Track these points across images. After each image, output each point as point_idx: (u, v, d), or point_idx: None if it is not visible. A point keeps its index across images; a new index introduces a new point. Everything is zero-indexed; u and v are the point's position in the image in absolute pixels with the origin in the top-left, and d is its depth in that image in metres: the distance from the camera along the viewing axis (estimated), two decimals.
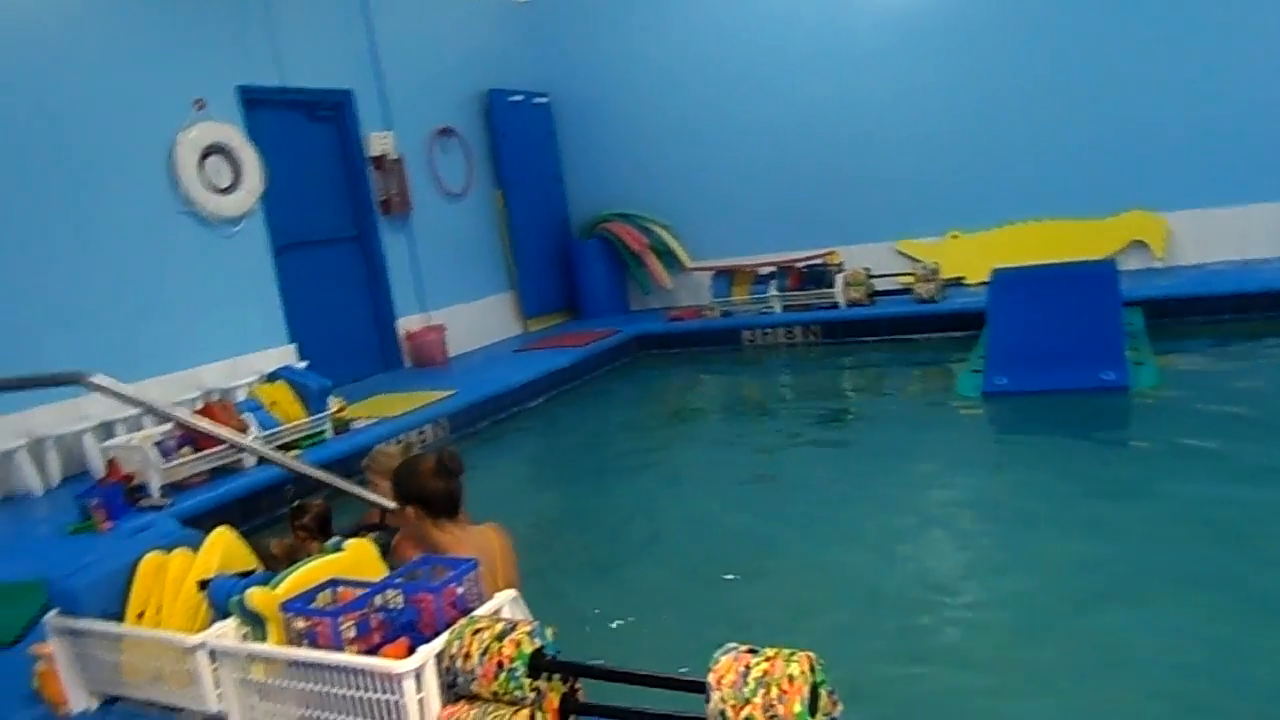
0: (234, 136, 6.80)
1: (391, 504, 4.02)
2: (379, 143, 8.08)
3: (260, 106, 7.18)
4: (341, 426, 5.98)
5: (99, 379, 3.91)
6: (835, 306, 8.24)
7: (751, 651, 1.80)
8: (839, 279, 8.24)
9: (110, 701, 2.64)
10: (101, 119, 6.02)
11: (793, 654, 1.77)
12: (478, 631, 2.13)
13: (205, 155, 6.63)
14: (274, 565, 3.20)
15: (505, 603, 2.37)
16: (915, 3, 8.69)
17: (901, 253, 9.00)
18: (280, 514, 4.92)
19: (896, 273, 8.51)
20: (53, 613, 2.63)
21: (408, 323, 8.38)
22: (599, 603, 3.55)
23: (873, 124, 8.98)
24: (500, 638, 2.09)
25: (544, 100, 10.18)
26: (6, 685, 2.80)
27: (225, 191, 6.77)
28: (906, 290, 8.17)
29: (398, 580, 2.39)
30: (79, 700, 2.64)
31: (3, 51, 5.59)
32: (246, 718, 2.39)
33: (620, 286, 10.30)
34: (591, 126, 10.22)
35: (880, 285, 8.32)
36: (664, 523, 4.48)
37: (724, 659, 1.80)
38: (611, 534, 4.45)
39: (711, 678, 1.77)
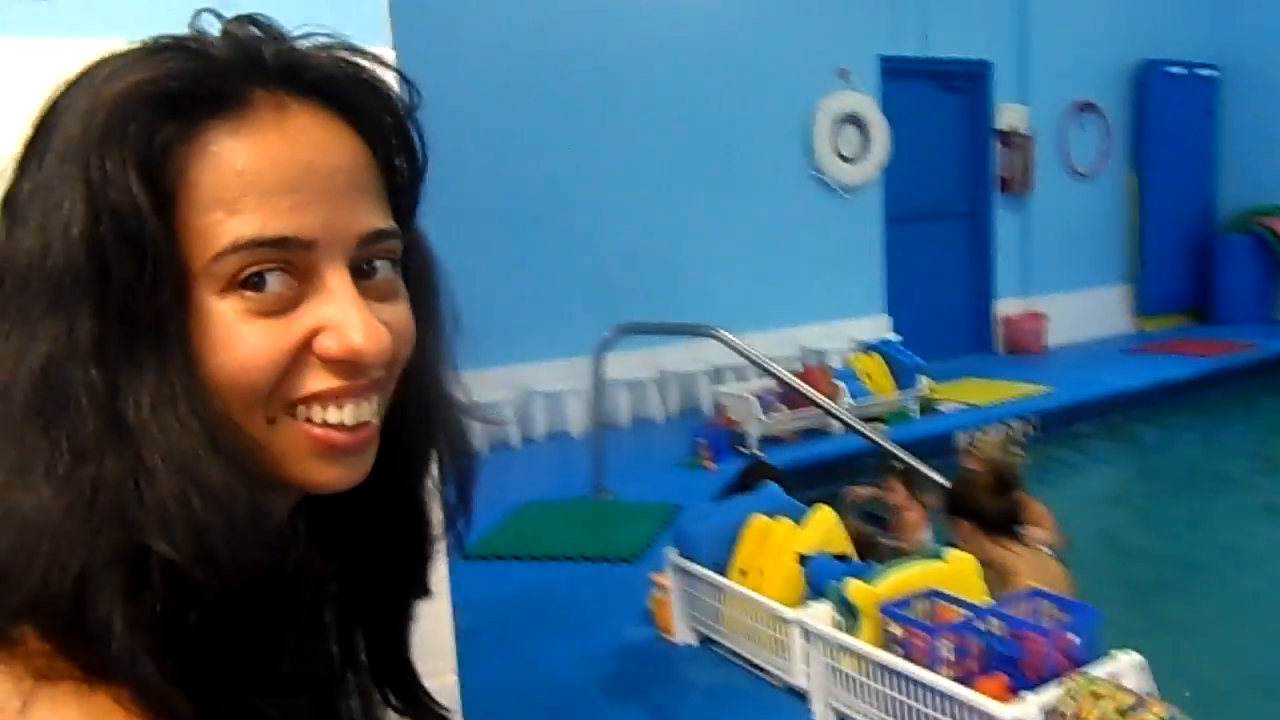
0: (869, 107, 6.94)
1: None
2: (1010, 116, 7.70)
3: (898, 77, 7.22)
4: (927, 407, 5.88)
5: (722, 334, 4.25)
6: None
7: None
8: None
9: (708, 642, 2.86)
10: (755, 82, 6.48)
11: None
12: (1098, 697, 1.89)
13: (839, 124, 6.86)
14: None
15: (1128, 668, 2.08)
16: None
17: None
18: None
19: None
20: (672, 550, 2.91)
21: (1006, 306, 7.98)
22: (1181, 674, 3.01)
23: None
24: (1124, 714, 1.83)
25: (1210, 73, 8.85)
26: (627, 599, 3.18)
27: (851, 160, 6.96)
28: None
29: (1004, 610, 2.22)
30: (683, 633, 2.89)
31: (686, 17, 6.25)
32: (825, 701, 2.42)
33: (1268, 292, 8.74)
34: (1268, 105, 8.69)
35: None
36: (1272, 583, 3.71)
37: None
38: (1199, 583, 3.80)
39: None
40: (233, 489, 0.51)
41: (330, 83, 0.57)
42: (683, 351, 6.12)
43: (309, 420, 0.56)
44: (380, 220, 0.58)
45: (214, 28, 0.57)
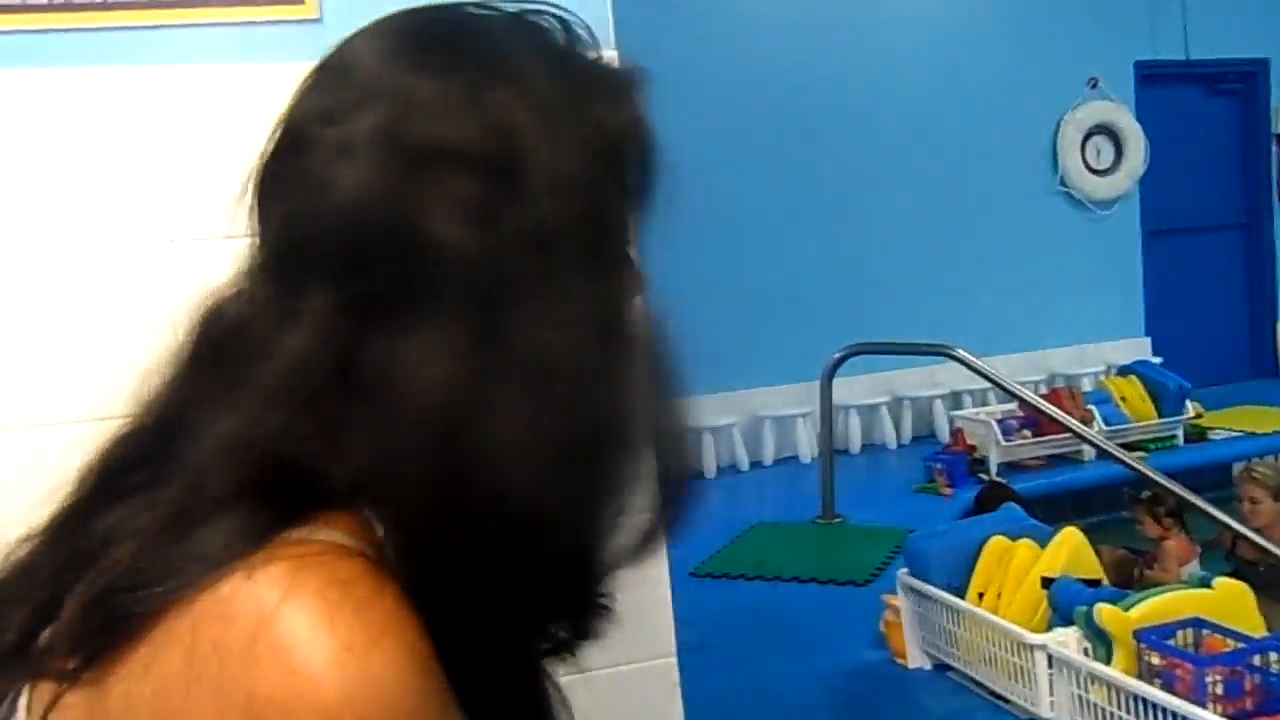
0: (1121, 116, 6.50)
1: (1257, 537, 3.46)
2: None
3: (1156, 82, 6.71)
4: (1196, 434, 5.37)
5: (961, 353, 4.08)
6: None
7: None
8: None
9: (942, 667, 2.73)
10: (996, 97, 6.22)
11: None
12: None
13: (1089, 135, 6.46)
14: (1106, 574, 2.97)
15: None
16: None
17: None
18: (1114, 517, 4.63)
19: None
20: (903, 570, 2.80)
21: None
22: None
23: None
24: None
25: None
26: (859, 623, 3.08)
27: (1103, 173, 6.53)
28: None
29: None
30: (916, 657, 2.77)
31: (924, 28, 6.13)
32: None
33: None
34: None
35: None
36: None
37: None
38: None
39: None
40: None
41: None
42: (918, 375, 5.91)
43: None
44: None
45: None
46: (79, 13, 1.25)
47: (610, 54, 1.44)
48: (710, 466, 5.41)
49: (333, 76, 0.60)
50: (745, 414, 5.60)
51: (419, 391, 0.53)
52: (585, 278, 0.56)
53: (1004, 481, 4.44)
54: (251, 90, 1.24)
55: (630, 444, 0.59)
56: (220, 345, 0.59)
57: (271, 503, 0.54)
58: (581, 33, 0.64)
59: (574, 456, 0.55)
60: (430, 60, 0.58)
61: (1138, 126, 6.53)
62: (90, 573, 0.54)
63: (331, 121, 0.56)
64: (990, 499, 3.61)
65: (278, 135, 0.60)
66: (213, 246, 1.33)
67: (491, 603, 0.57)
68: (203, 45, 1.29)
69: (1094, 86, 6.44)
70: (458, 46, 0.59)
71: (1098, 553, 3.25)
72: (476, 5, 0.62)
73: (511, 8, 0.63)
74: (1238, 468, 4.04)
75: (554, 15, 0.63)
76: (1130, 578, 3.33)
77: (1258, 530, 3.55)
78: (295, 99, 0.61)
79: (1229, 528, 3.57)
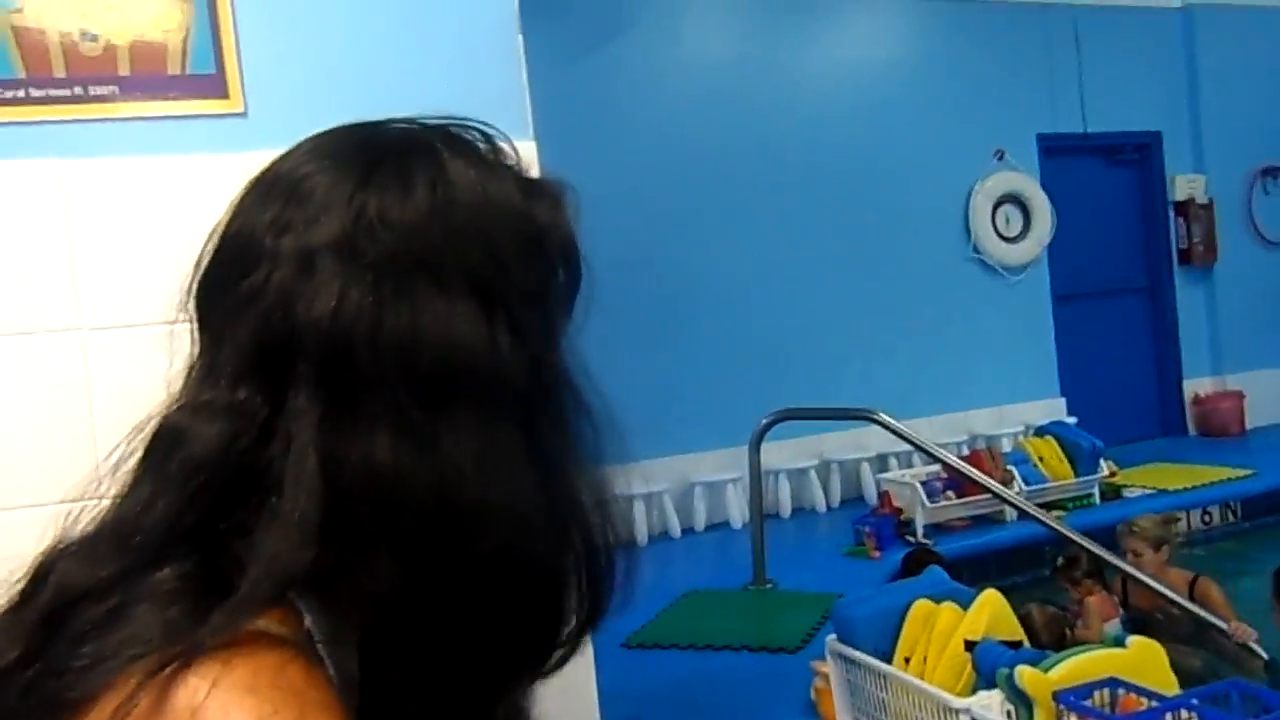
0: (1028, 185, 6.79)
1: (1154, 583, 3.59)
2: (1186, 187, 7.34)
3: (1057, 154, 7.04)
4: (1112, 492, 5.54)
5: (882, 416, 4.18)
6: None
7: None
8: None
9: None
10: (910, 167, 6.46)
11: None
12: None
13: (998, 204, 6.73)
14: (1035, 636, 3.04)
15: None
16: None
17: None
18: (1036, 576, 4.74)
19: None
20: (832, 637, 2.83)
21: (1196, 385, 7.47)
22: None
23: None
24: None
25: None
26: (790, 690, 3.10)
27: (1013, 240, 6.79)
28: None
29: (1194, 702, 2.05)
30: None
31: (842, 102, 6.36)
32: None
33: None
34: None
35: None
36: None
37: None
38: None
39: None
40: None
41: None
42: (845, 438, 6.02)
43: None
44: None
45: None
46: (6, 106, 1.26)
47: (529, 145, 1.50)
48: (642, 533, 5.41)
49: (280, 190, 0.61)
50: (677, 480, 5.63)
51: (416, 486, 0.57)
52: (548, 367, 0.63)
53: (930, 544, 4.53)
54: (181, 181, 1.26)
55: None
56: (174, 454, 0.59)
57: (208, 593, 0.55)
58: (504, 144, 0.67)
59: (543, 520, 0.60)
60: (379, 175, 0.60)
61: (1044, 195, 6.82)
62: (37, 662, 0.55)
63: (287, 232, 0.58)
64: (916, 562, 3.67)
65: (222, 246, 0.62)
66: (140, 334, 1.33)
67: (455, 667, 0.59)
68: (132, 139, 1.30)
69: (1000, 158, 6.74)
70: (405, 162, 0.61)
71: (1029, 613, 3.35)
72: (406, 121, 0.66)
73: (436, 122, 0.66)
74: (1120, 525, 4.17)
75: (478, 129, 0.67)
76: (1062, 636, 3.39)
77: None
78: (237, 211, 0.62)
79: (1145, 585, 3.69)
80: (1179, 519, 4.78)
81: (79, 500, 0.64)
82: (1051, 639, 3.29)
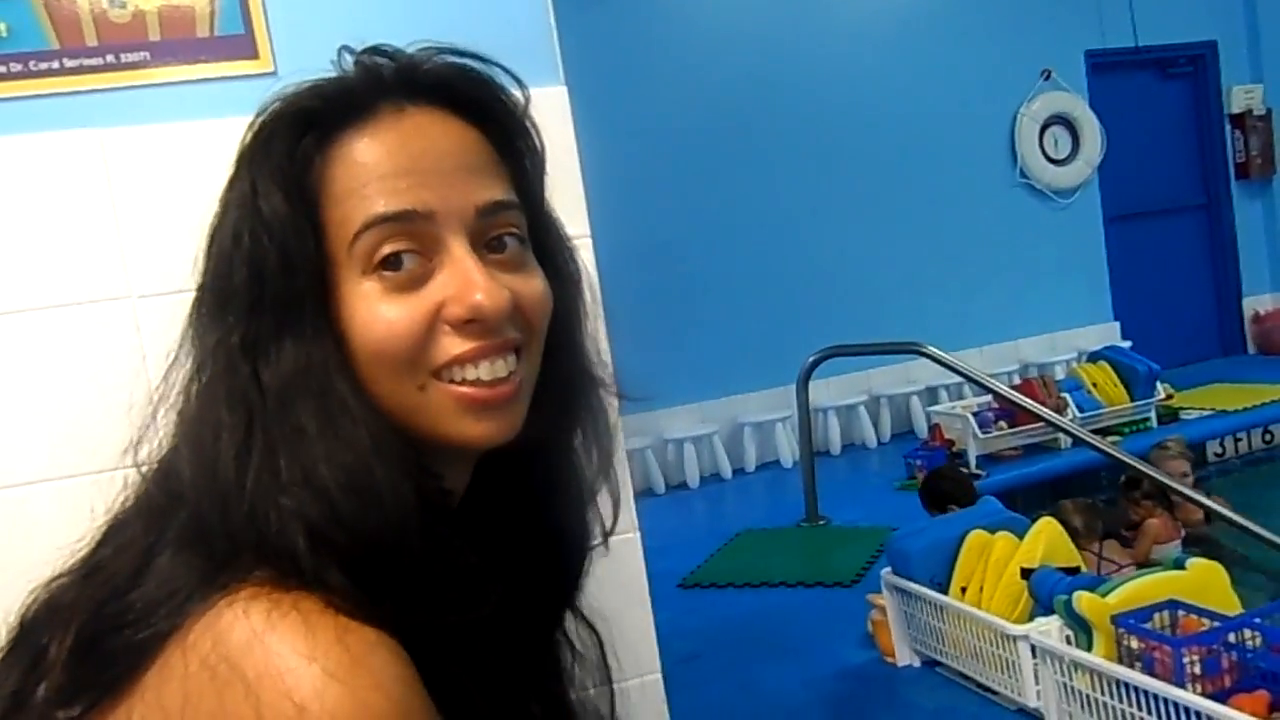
0: (1076, 105, 6.59)
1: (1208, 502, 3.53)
2: (1243, 98, 7.07)
3: (1107, 70, 6.81)
4: (1169, 415, 5.44)
5: (929, 349, 4.13)
6: None
7: None
8: None
9: (931, 663, 2.76)
10: (952, 94, 6.30)
11: None
12: None
13: (1045, 126, 6.56)
14: (1070, 526, 3.01)
15: None
16: None
17: None
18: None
19: None
20: (887, 570, 2.84)
21: (1257, 303, 7.28)
22: None
23: None
24: None
25: None
26: (846, 624, 3.12)
27: (1062, 163, 6.62)
28: None
29: (1258, 620, 2.03)
30: (904, 655, 2.80)
31: (882, 28, 6.20)
32: None
33: None
34: None
35: None
36: None
37: None
38: None
39: None
40: (367, 460, 0.59)
41: (442, 84, 0.66)
42: (893, 373, 5.97)
43: (452, 381, 0.63)
44: (498, 192, 0.65)
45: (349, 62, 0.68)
46: (41, 79, 1.27)
47: (560, 89, 1.48)
48: (694, 476, 5.44)
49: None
50: (726, 422, 5.64)
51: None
52: None
53: (949, 466, 4.51)
54: (217, 146, 1.26)
55: None
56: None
57: (227, 544, 0.57)
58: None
59: None
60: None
61: (1093, 115, 6.63)
62: (74, 623, 0.58)
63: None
64: (935, 489, 3.71)
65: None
66: (186, 299, 1.34)
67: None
68: (166, 104, 1.31)
69: (1047, 78, 6.54)
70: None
71: (1062, 506, 3.35)
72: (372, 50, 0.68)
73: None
74: (1153, 452, 4.09)
75: (505, 71, 0.69)
76: (1098, 525, 3.39)
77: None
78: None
79: (1202, 506, 3.64)
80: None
81: (142, 465, 0.66)
82: (1085, 525, 3.29)
